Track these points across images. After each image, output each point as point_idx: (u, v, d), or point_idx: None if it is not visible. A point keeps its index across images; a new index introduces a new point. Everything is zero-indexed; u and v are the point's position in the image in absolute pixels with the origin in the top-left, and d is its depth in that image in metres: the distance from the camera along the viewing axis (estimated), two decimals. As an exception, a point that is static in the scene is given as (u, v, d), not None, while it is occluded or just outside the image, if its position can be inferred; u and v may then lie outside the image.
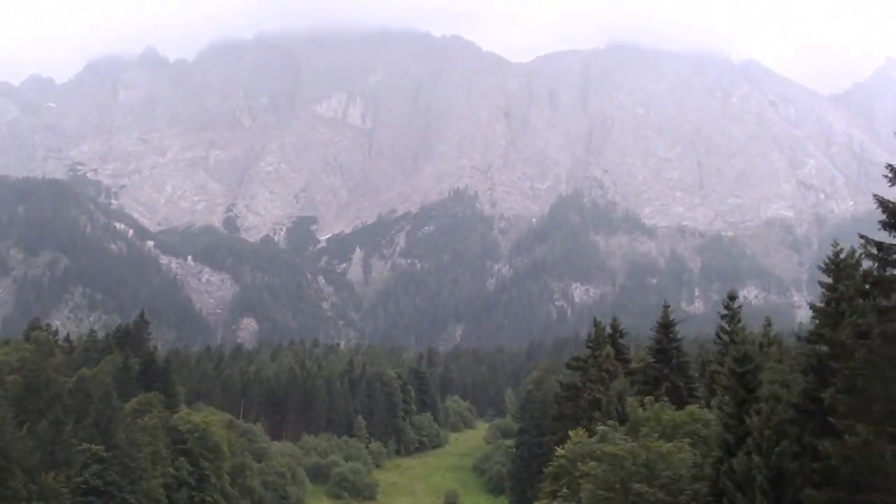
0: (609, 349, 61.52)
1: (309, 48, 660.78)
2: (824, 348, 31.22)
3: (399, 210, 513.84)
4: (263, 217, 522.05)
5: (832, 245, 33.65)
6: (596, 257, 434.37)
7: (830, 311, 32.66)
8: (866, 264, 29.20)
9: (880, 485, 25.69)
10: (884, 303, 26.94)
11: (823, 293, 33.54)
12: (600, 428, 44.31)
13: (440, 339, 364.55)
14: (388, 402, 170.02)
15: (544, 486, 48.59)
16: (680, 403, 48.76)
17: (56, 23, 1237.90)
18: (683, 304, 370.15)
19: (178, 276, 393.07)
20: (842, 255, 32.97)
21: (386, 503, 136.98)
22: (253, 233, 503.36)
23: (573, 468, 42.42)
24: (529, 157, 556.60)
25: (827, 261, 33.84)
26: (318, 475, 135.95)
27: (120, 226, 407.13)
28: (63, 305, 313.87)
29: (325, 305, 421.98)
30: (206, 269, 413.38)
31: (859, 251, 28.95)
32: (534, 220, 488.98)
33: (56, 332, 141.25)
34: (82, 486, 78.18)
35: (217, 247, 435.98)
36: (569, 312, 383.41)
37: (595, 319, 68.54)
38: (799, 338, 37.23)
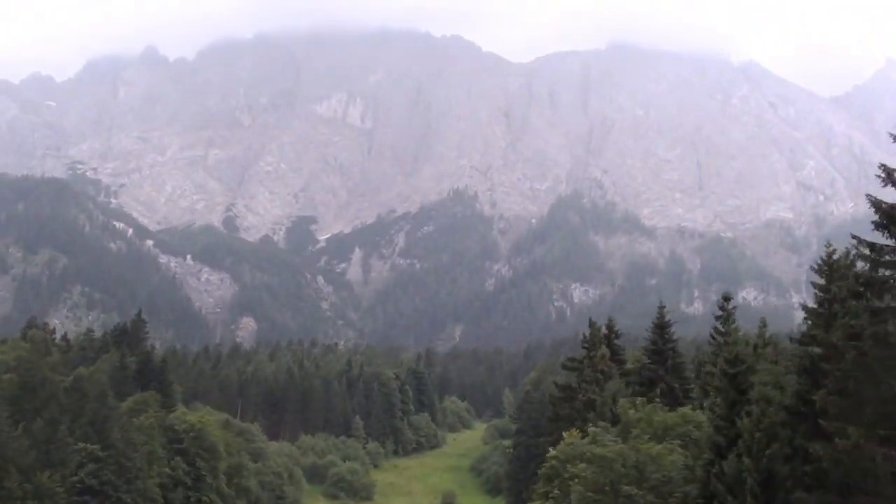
0: (604, 350, 61.39)
1: (309, 48, 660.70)
2: (817, 350, 31.03)
3: (398, 210, 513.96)
4: (263, 217, 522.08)
5: (825, 246, 33.50)
6: (595, 258, 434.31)
7: (823, 313, 32.47)
8: (861, 265, 29.02)
9: (871, 488, 25.52)
10: (876, 304, 26.76)
11: (816, 294, 33.36)
12: (591, 429, 44.15)
13: (439, 340, 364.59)
14: (386, 403, 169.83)
15: (537, 488, 48.48)
16: (675, 405, 48.63)
17: (56, 21, 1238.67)
18: (683, 305, 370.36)
19: (177, 276, 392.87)
20: (835, 257, 32.81)
21: (383, 503, 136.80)
22: (252, 232, 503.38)
23: (563, 470, 42.27)
24: (529, 157, 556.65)
25: (820, 262, 33.69)
26: (316, 475, 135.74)
27: (119, 225, 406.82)
28: (62, 304, 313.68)
29: (325, 305, 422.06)
30: (206, 269, 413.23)
31: (853, 252, 28.77)
32: (533, 220, 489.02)
33: (53, 331, 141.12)
34: (78, 485, 78.03)
35: (216, 246, 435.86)
36: (568, 313, 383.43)
37: (591, 320, 68.38)
38: (791, 339, 37.06)
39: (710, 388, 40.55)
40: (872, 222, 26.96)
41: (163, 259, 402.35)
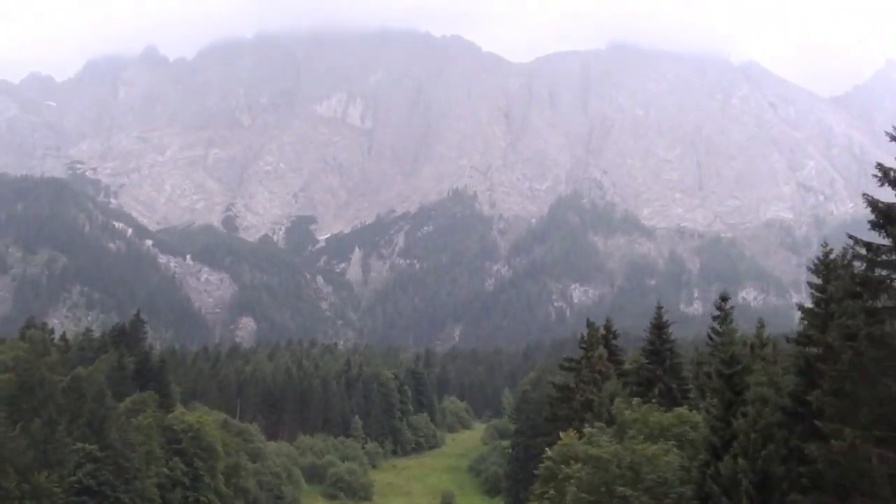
0: (602, 350, 61.26)
1: (309, 48, 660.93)
2: (813, 350, 30.89)
3: (398, 210, 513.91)
4: (262, 216, 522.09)
5: (822, 246, 33.39)
6: (595, 258, 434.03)
7: (819, 313, 32.35)
8: (858, 265, 28.87)
9: (867, 489, 25.39)
10: (872, 304, 26.62)
11: (812, 294, 33.22)
12: (587, 430, 44.03)
13: (438, 340, 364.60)
14: (385, 403, 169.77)
15: (535, 489, 48.37)
16: (673, 405, 48.50)
17: (56, 21, 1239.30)
18: (682, 306, 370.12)
19: (176, 276, 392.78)
20: (832, 256, 32.69)
21: (382, 503, 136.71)
22: (252, 232, 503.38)
23: (559, 470, 42.13)
24: (529, 157, 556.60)
25: (816, 261, 33.55)
26: (314, 475, 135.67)
27: (119, 225, 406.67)
28: (61, 304, 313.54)
29: (324, 305, 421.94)
30: (205, 269, 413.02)
31: (849, 252, 28.63)
32: (533, 220, 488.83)
33: (52, 331, 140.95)
34: (75, 485, 77.93)
35: (216, 246, 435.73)
36: (567, 313, 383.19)
37: (588, 320, 68.22)
38: (787, 339, 36.94)
39: (706, 389, 40.38)
40: (869, 221, 26.86)
41: (162, 259, 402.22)
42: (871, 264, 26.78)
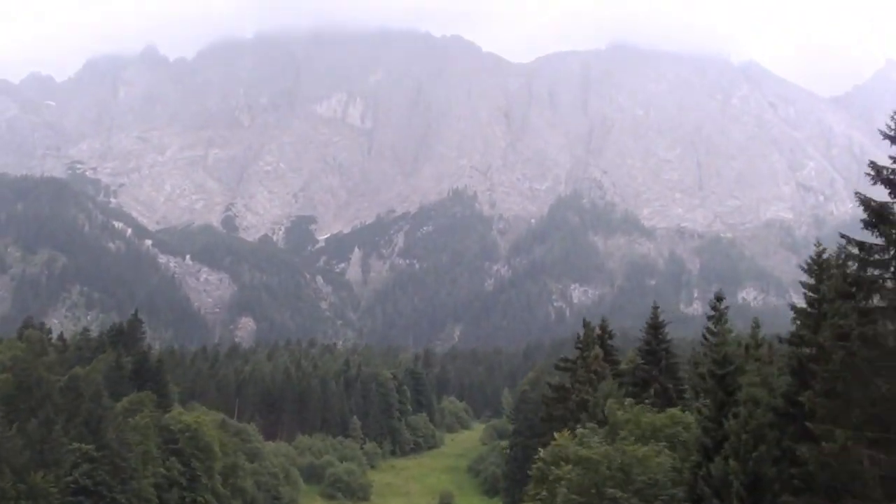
0: (598, 350, 61.13)
1: (309, 48, 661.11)
2: (805, 350, 30.71)
3: (398, 210, 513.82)
4: (262, 216, 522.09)
5: (815, 245, 33.25)
6: (595, 258, 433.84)
7: (812, 313, 32.18)
8: (851, 265, 28.68)
9: (859, 491, 25.20)
10: (865, 304, 26.45)
11: (805, 294, 33.05)
12: (579, 430, 43.87)
13: (438, 340, 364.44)
14: (384, 403, 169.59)
15: (528, 489, 48.22)
16: (669, 405, 48.38)
17: (56, 21, 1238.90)
18: (682, 306, 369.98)
19: (176, 276, 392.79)
20: (825, 256, 32.53)
21: (380, 503, 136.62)
22: (251, 232, 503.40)
23: (549, 472, 41.96)
24: (529, 157, 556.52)
25: (809, 261, 33.38)
26: (313, 475, 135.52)
27: (118, 224, 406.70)
28: (61, 304, 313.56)
29: (324, 305, 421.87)
30: (205, 269, 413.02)
31: (843, 252, 28.45)
32: (533, 220, 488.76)
33: (49, 331, 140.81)
34: (72, 485, 77.77)
35: (215, 246, 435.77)
36: (567, 313, 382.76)
37: (584, 320, 68.12)
38: (780, 340, 36.77)
39: (699, 389, 40.21)
40: (862, 220, 26.72)
41: (162, 259, 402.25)
42: (864, 264, 26.63)
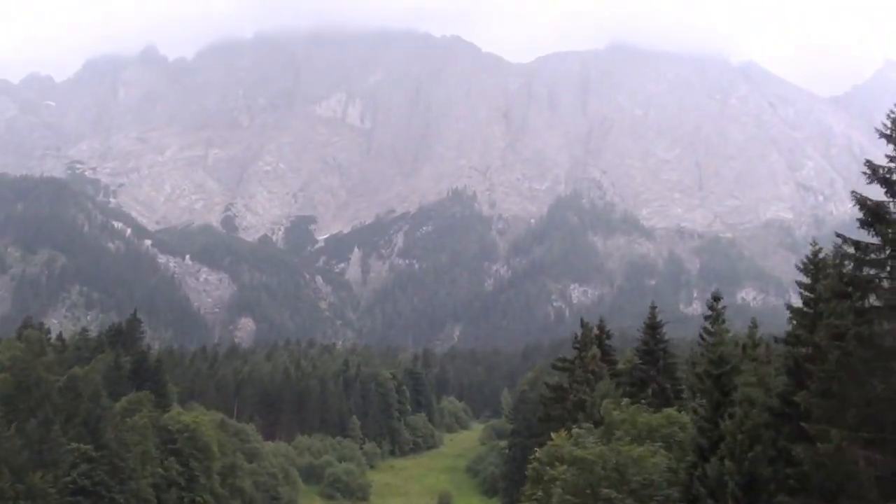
0: (595, 350, 61.09)
1: (308, 48, 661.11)
2: (801, 350, 30.64)
3: (397, 210, 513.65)
4: (262, 216, 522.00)
5: (811, 244, 33.22)
6: (594, 258, 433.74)
7: (808, 313, 32.12)
8: (849, 265, 28.59)
9: (854, 492, 25.13)
10: (860, 304, 26.39)
11: (801, 293, 33.00)
12: (574, 430, 43.82)
13: (438, 340, 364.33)
14: (383, 403, 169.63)
15: (525, 489, 48.20)
16: (666, 405, 48.35)
17: (55, 21, 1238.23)
18: (682, 306, 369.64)
19: (175, 276, 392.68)
20: (821, 255, 32.49)
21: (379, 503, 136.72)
22: (251, 232, 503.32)
23: (544, 472, 41.90)
24: (528, 157, 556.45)
25: (805, 260, 33.34)
26: (312, 476, 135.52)
27: (118, 224, 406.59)
28: (60, 304, 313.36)
29: (323, 305, 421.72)
30: (204, 269, 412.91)
31: (839, 251, 28.38)
32: (532, 220, 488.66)
33: (48, 331, 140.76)
34: (70, 485, 77.69)
35: (215, 246, 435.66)
36: (567, 313, 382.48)
37: (582, 320, 68.10)
38: (776, 339, 36.73)
39: (695, 389, 40.16)
40: (858, 220, 26.69)
41: (161, 259, 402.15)
42: (860, 263, 26.59)
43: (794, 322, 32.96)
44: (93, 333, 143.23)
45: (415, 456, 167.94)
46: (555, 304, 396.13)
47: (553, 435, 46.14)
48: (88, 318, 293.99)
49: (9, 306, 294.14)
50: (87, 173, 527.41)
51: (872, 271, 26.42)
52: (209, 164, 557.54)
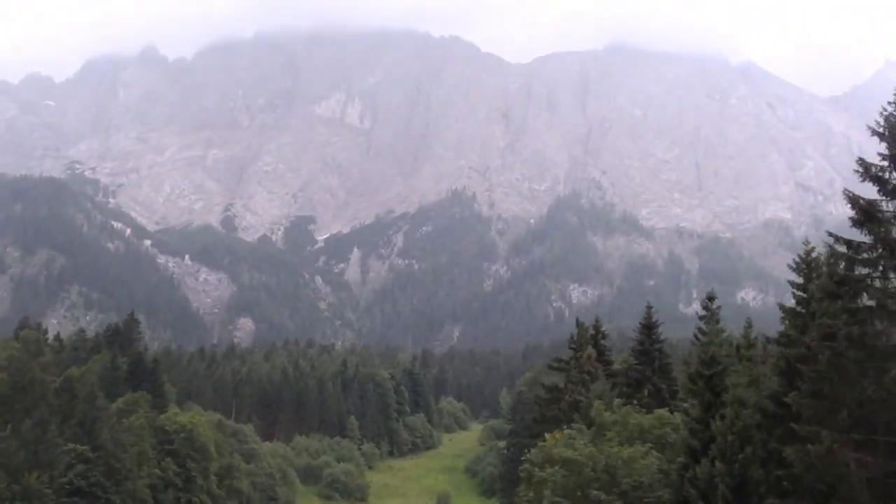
0: (591, 350, 60.92)
1: (308, 48, 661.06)
2: (793, 351, 30.44)
3: (397, 210, 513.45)
4: (261, 217, 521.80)
5: (804, 244, 33.05)
6: (594, 258, 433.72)
7: (801, 313, 31.91)
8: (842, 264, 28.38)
9: (845, 494, 24.93)
10: (852, 304, 26.18)
11: (794, 293, 32.81)
12: (566, 431, 43.62)
13: (437, 340, 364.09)
14: (381, 403, 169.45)
15: (520, 491, 48.04)
16: (662, 406, 48.18)
17: (55, 21, 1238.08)
18: (681, 306, 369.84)
19: (175, 276, 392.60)
20: (814, 255, 32.30)
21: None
22: (250, 232, 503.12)
23: (534, 473, 41.69)
24: (527, 157, 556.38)
25: (798, 260, 33.15)
26: (310, 476, 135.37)
27: (117, 225, 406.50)
28: (59, 304, 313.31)
29: (323, 305, 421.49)
30: (204, 269, 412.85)
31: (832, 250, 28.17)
32: (532, 220, 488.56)
33: (46, 331, 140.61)
34: (66, 486, 77.34)
35: (214, 246, 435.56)
36: (566, 314, 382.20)
37: (578, 320, 67.95)
38: (768, 340, 36.51)
39: (685, 390, 39.95)
40: (850, 219, 26.54)
41: (161, 259, 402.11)
42: (852, 262, 26.40)
43: (787, 322, 32.75)
44: (91, 334, 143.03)
45: (413, 456, 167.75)
46: (554, 304, 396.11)
47: (547, 436, 45.96)
48: (88, 318, 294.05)
49: (8, 307, 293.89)
50: (86, 173, 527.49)
51: (865, 270, 26.24)
52: (208, 164, 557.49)
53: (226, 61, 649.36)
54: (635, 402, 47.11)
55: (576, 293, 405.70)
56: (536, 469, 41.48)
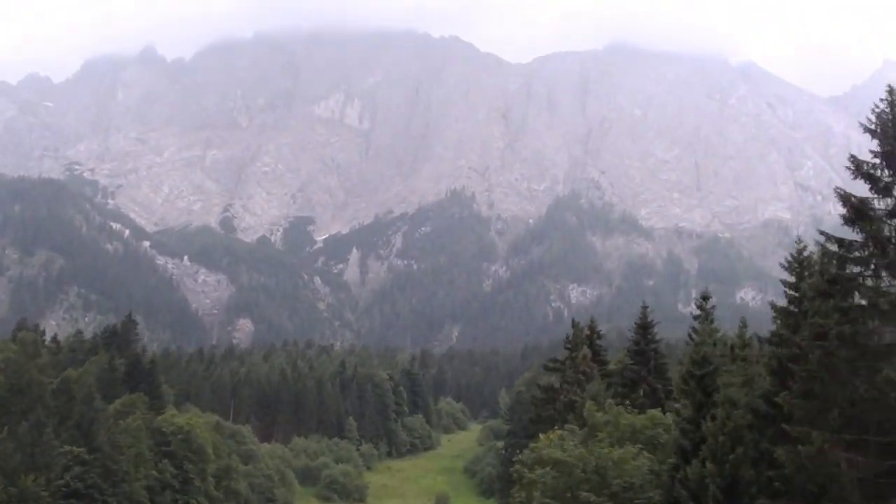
0: (586, 351, 60.80)
1: (307, 48, 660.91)
2: (785, 350, 30.28)
3: (396, 211, 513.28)
4: (260, 217, 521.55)
5: (796, 242, 32.90)
6: (593, 258, 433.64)
7: (793, 312, 31.75)
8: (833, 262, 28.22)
9: (836, 494, 24.76)
10: (845, 303, 26.02)
11: (786, 292, 32.65)
12: (558, 432, 43.46)
13: (436, 341, 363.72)
14: (380, 404, 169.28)
15: (513, 492, 47.92)
16: (658, 406, 48.05)
17: (54, 22, 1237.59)
18: (680, 306, 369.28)
19: (174, 277, 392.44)
20: (806, 253, 32.15)
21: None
22: (249, 233, 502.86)
23: (525, 475, 41.54)
24: (527, 158, 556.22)
25: (790, 259, 33.01)
26: (308, 477, 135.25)
27: (116, 226, 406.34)
28: (58, 306, 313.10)
29: (322, 306, 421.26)
30: (203, 270, 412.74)
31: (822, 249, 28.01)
32: (531, 221, 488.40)
33: (43, 333, 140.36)
34: (63, 489, 77.29)
35: (213, 247, 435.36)
36: (565, 314, 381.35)
37: (573, 320, 67.85)
38: (760, 339, 36.35)
39: (678, 390, 39.79)
40: (841, 216, 26.42)
41: (160, 260, 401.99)
42: (844, 261, 26.26)
43: (779, 322, 32.61)
44: (91, 335, 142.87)
45: (412, 457, 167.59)
46: (553, 304, 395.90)
47: (542, 436, 45.81)
48: (87, 319, 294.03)
49: (6, 308, 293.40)
50: (85, 174, 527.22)
51: (857, 269, 26.10)
52: (207, 164, 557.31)
53: (225, 61, 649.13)
54: (628, 402, 46.90)
55: (575, 293, 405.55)
56: (526, 470, 41.31)
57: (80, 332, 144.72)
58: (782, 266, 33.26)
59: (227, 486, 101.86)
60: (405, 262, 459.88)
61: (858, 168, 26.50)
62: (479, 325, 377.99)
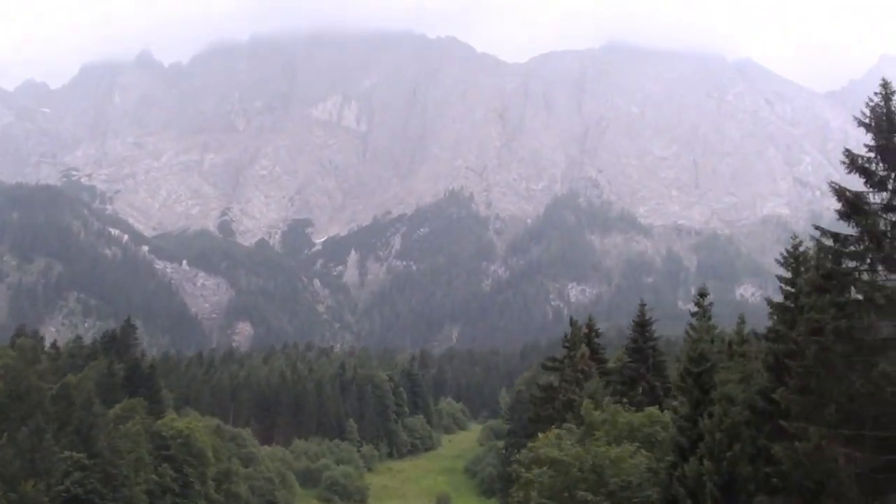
0: (584, 349, 60.75)
1: (304, 51, 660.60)
2: (781, 346, 30.21)
3: (394, 212, 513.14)
4: (258, 220, 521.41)
5: (792, 238, 32.85)
6: (592, 257, 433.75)
7: (789, 307, 31.69)
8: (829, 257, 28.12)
9: (834, 490, 24.69)
10: (841, 297, 25.95)
11: (782, 288, 32.58)
12: (556, 431, 43.36)
13: (436, 341, 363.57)
14: (380, 405, 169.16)
15: (512, 491, 47.85)
16: (656, 403, 47.99)
17: (52, 25, 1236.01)
18: (680, 303, 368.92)
19: (172, 281, 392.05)
20: (801, 248, 32.10)
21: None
22: (248, 236, 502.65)
23: (522, 474, 41.43)
24: (524, 157, 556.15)
25: (785, 254, 32.95)
26: (309, 479, 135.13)
27: (114, 231, 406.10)
28: (57, 312, 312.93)
29: (321, 308, 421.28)
30: (201, 274, 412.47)
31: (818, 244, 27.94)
32: (529, 220, 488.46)
33: (43, 339, 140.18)
34: (63, 494, 77.23)
35: (212, 251, 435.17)
36: (565, 312, 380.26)
37: (571, 319, 67.75)
38: (756, 336, 36.28)
39: (675, 387, 39.75)
40: (836, 211, 26.36)
41: (158, 265, 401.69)
42: (839, 256, 26.20)
43: (775, 317, 32.53)
44: (90, 341, 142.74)
45: (413, 458, 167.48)
46: (553, 303, 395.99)
47: (540, 435, 45.71)
48: (86, 325, 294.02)
49: (5, 315, 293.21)
50: (82, 180, 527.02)
51: (852, 264, 26.04)
52: (205, 168, 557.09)
53: (222, 64, 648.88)
54: (626, 400, 46.83)
55: (574, 292, 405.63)
56: (523, 470, 41.20)
57: (79, 337, 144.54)
58: (778, 262, 33.17)
59: (228, 490, 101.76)
60: (404, 263, 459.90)
61: (853, 162, 26.46)
62: (479, 325, 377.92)
